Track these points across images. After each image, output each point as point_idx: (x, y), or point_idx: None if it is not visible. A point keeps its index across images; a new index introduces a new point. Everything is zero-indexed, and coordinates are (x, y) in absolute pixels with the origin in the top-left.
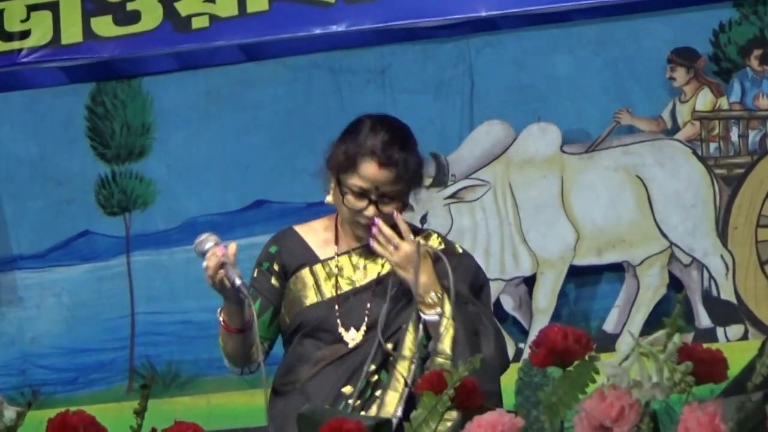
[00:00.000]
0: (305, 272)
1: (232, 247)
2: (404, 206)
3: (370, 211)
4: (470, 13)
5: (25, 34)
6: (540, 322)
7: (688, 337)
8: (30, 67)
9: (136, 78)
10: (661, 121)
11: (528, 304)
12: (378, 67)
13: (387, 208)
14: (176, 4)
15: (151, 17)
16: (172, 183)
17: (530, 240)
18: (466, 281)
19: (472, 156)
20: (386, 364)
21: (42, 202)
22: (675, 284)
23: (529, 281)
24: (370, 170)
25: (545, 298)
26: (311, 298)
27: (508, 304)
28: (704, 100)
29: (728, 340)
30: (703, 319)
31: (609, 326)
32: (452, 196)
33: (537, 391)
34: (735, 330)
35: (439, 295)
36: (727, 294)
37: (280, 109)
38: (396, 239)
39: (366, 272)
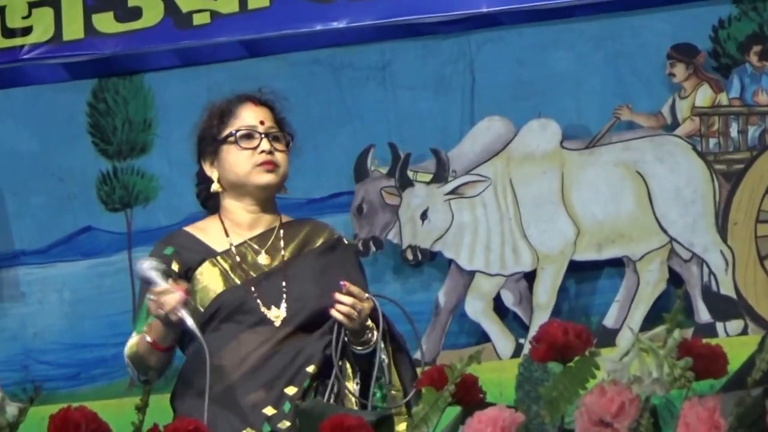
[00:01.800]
0: (208, 264)
1: (185, 286)
2: (290, 141)
3: (265, 144)
4: (471, 9)
5: (26, 31)
6: (540, 317)
7: (688, 333)
8: (32, 63)
9: (138, 74)
10: (660, 117)
11: (528, 300)
12: (379, 63)
13: (278, 145)
14: (177, 1)
15: (153, 13)
16: (173, 179)
17: (530, 235)
18: (361, 275)
19: (473, 152)
20: (327, 367)
21: (44, 197)
22: (675, 279)
23: (530, 277)
24: (249, 108)
25: (545, 293)
26: (223, 284)
27: (509, 300)
28: (704, 96)
29: (728, 335)
30: (703, 315)
31: (609, 321)
32: (453, 191)
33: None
34: (735, 325)
35: (369, 331)
36: (726, 289)
37: (282, 105)
38: (359, 304)
39: (269, 257)
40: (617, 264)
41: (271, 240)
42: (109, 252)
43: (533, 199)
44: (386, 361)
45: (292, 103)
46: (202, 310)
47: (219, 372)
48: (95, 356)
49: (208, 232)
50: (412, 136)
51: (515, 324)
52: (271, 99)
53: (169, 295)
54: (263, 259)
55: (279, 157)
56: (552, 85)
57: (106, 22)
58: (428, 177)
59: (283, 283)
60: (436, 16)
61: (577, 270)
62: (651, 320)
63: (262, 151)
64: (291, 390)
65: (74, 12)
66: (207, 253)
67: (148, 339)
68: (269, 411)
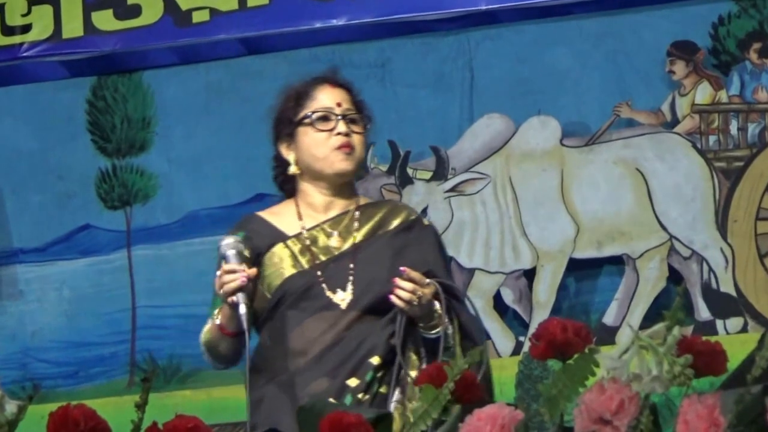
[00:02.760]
0: (279, 247)
1: (252, 272)
2: (368, 123)
3: (341, 126)
4: (470, 6)
5: (26, 29)
6: (540, 315)
7: (688, 330)
8: (31, 61)
9: (137, 72)
10: (660, 115)
11: (528, 297)
12: (378, 61)
13: (355, 127)
14: None
15: (152, 11)
16: (172, 176)
17: (530, 233)
18: (439, 256)
19: (472, 149)
20: (391, 357)
21: (43, 195)
22: (674, 277)
23: (529, 274)
24: (326, 90)
25: (545, 291)
26: (290, 269)
27: (509, 298)
28: (703, 93)
29: (728, 333)
30: (703, 312)
31: (609, 319)
32: (452, 189)
33: (537, 384)
34: (734, 322)
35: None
36: (726, 287)
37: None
38: (420, 290)
39: (341, 239)
40: (617, 262)
41: (345, 222)
42: (108, 250)
43: (533, 196)
44: (452, 343)
45: None
46: (269, 296)
47: (283, 359)
48: (94, 354)
49: (281, 216)
50: (412, 134)
51: (515, 322)
52: (349, 81)
53: (231, 276)
54: (335, 241)
55: (356, 139)
56: (551, 82)
57: (105, 20)
58: (428, 174)
59: (351, 266)
60: (436, 14)
61: (577, 268)
62: (651, 318)
63: (339, 133)
64: (353, 382)
65: (73, 10)
66: (277, 237)
67: (217, 322)
68: (332, 400)
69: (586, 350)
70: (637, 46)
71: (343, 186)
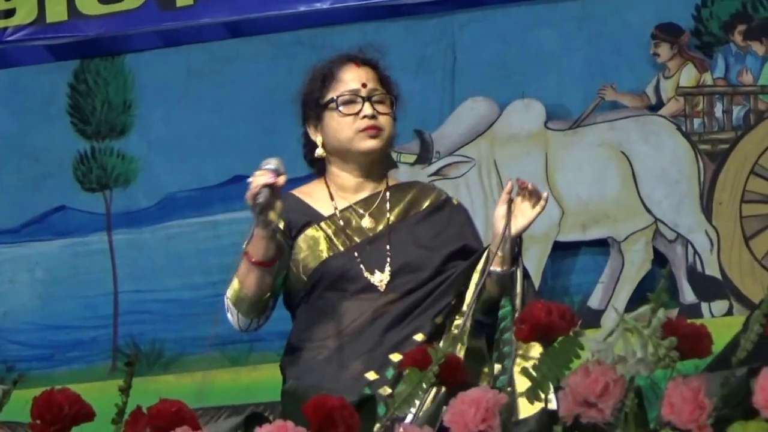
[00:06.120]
0: (313, 229)
1: (281, 179)
2: (395, 102)
3: (367, 108)
4: None
5: (9, 13)
6: None
7: (673, 313)
8: (14, 45)
9: (120, 56)
10: (645, 97)
11: None
12: (360, 44)
13: (381, 107)
14: None
15: None
16: (151, 159)
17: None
18: (475, 233)
19: (457, 133)
20: (437, 336)
21: (19, 177)
22: (660, 260)
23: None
24: (351, 71)
25: (530, 274)
26: (327, 251)
27: None
28: (688, 75)
29: (713, 316)
30: (688, 295)
31: (594, 302)
32: (436, 173)
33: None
34: (720, 305)
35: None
36: (711, 269)
37: (263, 84)
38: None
39: (374, 221)
40: (602, 244)
41: (377, 203)
42: (85, 232)
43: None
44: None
45: (273, 82)
46: (305, 279)
47: (322, 341)
48: (71, 338)
49: (313, 196)
50: None
51: None
52: (375, 58)
53: (260, 174)
54: (367, 223)
55: (382, 120)
56: (535, 65)
57: (89, 4)
58: (412, 158)
59: (387, 247)
60: None
61: (562, 251)
62: (636, 301)
63: (365, 116)
64: (396, 356)
65: None
66: (313, 217)
67: (244, 248)
68: (371, 376)
69: (571, 333)
70: (621, 28)
71: (371, 167)
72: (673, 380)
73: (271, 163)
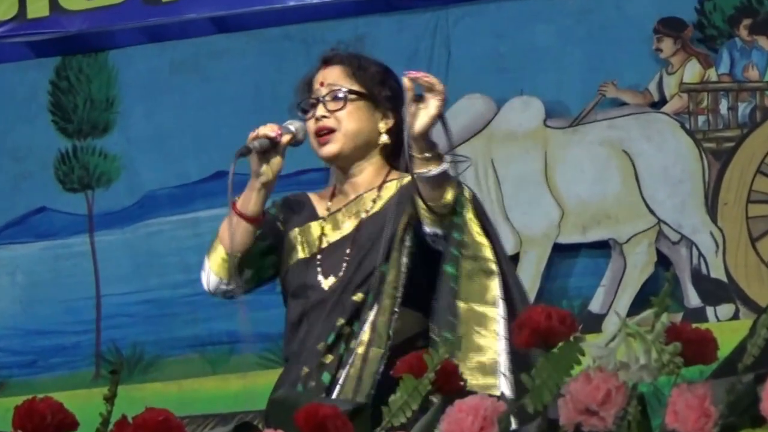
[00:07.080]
0: (296, 232)
1: (286, 138)
2: (368, 95)
3: (319, 110)
4: None
5: None
6: None
7: (677, 317)
8: None
9: (103, 52)
10: (647, 94)
11: None
12: (352, 39)
13: (334, 104)
14: None
15: None
16: (133, 155)
17: (513, 217)
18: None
19: (453, 130)
20: (358, 314)
21: None
22: (663, 262)
23: (513, 260)
24: (318, 74)
25: (529, 277)
26: (296, 256)
27: None
28: (692, 71)
29: (718, 320)
30: (693, 298)
31: (595, 306)
32: None
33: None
34: (725, 309)
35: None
36: (717, 272)
37: (248, 81)
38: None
39: (354, 221)
40: (603, 246)
41: (363, 203)
42: (66, 234)
43: (515, 179)
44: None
45: (258, 78)
46: (283, 283)
47: (288, 344)
48: (53, 344)
49: (321, 198)
50: None
51: None
52: (344, 55)
53: (271, 125)
54: (347, 224)
55: (336, 118)
56: (533, 60)
57: None
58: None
59: (347, 250)
60: None
61: (562, 253)
62: (638, 305)
63: (316, 119)
64: (340, 321)
65: None
66: (304, 218)
67: (233, 203)
68: (321, 347)
69: (572, 338)
70: (622, 22)
71: (360, 166)
72: (677, 387)
73: (292, 125)
